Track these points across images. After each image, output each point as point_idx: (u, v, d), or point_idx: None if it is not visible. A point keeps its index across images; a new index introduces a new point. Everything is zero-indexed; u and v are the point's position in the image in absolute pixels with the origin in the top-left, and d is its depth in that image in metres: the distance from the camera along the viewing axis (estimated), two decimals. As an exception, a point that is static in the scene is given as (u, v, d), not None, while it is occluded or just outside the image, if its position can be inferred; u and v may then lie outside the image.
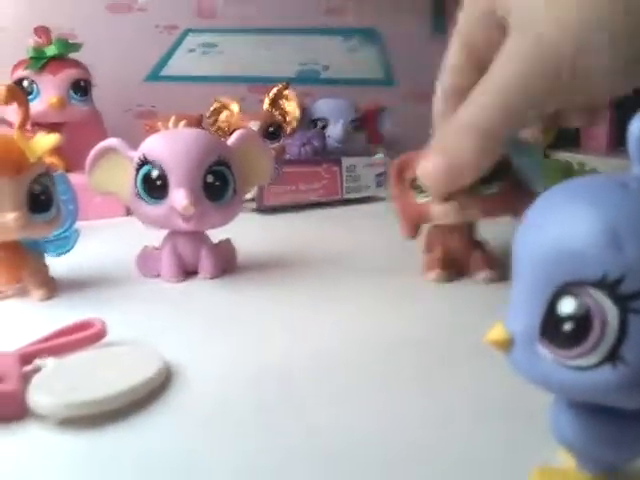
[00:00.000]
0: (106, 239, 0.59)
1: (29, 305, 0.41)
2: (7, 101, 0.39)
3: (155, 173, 0.42)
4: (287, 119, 0.83)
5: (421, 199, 0.39)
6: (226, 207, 0.44)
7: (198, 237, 0.46)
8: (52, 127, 0.60)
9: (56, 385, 0.27)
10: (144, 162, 0.42)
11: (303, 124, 0.84)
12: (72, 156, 0.61)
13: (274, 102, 0.82)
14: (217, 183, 0.43)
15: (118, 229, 0.63)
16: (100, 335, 0.33)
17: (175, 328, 0.37)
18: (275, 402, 0.28)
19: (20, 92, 0.41)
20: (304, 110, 0.85)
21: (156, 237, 0.47)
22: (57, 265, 0.44)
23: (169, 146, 0.42)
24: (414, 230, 0.41)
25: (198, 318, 0.39)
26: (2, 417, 0.26)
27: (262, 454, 0.24)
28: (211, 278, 0.46)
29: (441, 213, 0.37)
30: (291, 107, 0.83)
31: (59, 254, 0.44)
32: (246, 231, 0.49)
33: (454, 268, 0.42)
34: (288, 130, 0.82)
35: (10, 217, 0.38)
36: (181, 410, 0.27)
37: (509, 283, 0.18)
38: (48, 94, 0.63)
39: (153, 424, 0.26)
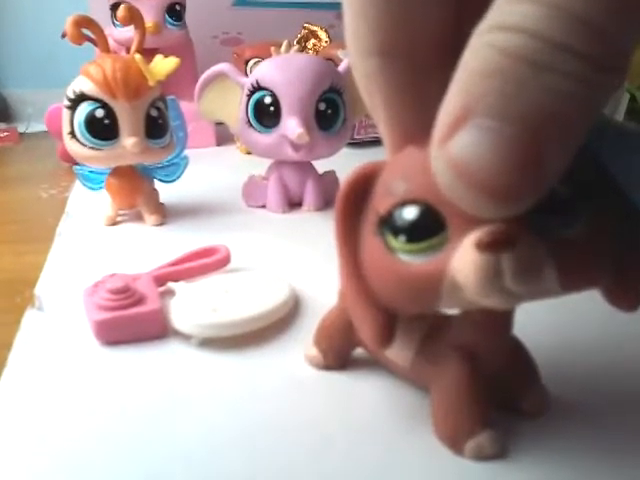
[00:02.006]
0: (210, 167, 0.59)
1: (143, 229, 0.42)
2: (126, 21, 0.39)
3: (268, 99, 0.41)
4: (376, 48, 0.79)
5: (409, 256, 0.17)
6: (335, 137, 0.43)
7: (304, 167, 0.45)
8: (146, 53, 0.59)
9: (197, 307, 0.28)
10: (257, 88, 0.41)
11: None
12: (165, 83, 0.61)
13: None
14: (329, 111, 0.42)
15: (219, 157, 0.63)
16: (225, 261, 0.33)
17: (289, 257, 0.37)
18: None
19: (139, 13, 0.41)
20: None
21: (261, 166, 0.47)
22: (165, 192, 0.45)
23: (282, 72, 0.41)
24: (389, 332, 0.19)
25: (309, 249, 0.39)
26: (146, 335, 0.27)
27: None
28: (315, 210, 0.45)
29: (474, 275, 0.15)
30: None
31: (169, 181, 0.45)
32: (339, 165, 0.48)
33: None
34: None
35: (129, 142, 0.38)
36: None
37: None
38: (144, 19, 0.62)
39: (290, 347, 0.27)
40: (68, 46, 0.41)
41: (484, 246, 0.15)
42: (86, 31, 0.39)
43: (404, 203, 0.17)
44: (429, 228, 0.16)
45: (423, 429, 0.21)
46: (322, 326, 0.25)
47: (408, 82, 0.16)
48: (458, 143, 0.13)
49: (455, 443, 0.20)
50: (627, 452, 0.20)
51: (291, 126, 0.40)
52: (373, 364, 0.25)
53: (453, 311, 0.20)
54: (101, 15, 0.55)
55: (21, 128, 0.89)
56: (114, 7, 0.63)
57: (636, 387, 0.24)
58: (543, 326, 0.26)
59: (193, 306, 0.28)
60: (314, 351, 0.25)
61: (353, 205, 0.18)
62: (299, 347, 0.26)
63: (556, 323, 0.28)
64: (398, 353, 0.22)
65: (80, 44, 0.38)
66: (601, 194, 0.17)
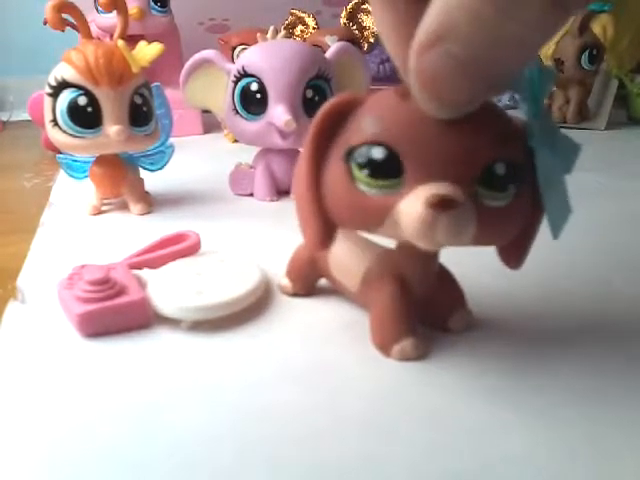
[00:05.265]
0: (196, 155, 0.58)
1: (128, 219, 0.42)
2: (109, 7, 0.38)
3: (255, 86, 0.40)
4: (365, 34, 0.79)
5: (367, 188, 0.20)
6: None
7: (292, 155, 0.45)
8: (131, 40, 0.59)
9: (181, 291, 0.27)
10: (243, 75, 0.41)
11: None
12: (149, 70, 0.60)
13: (351, 16, 0.78)
14: (316, 98, 0.41)
15: (206, 145, 0.63)
16: (195, 247, 0.33)
17: (268, 244, 0.37)
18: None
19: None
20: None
21: (248, 154, 0.46)
22: (150, 180, 0.44)
23: (269, 59, 0.40)
24: (328, 238, 0.22)
25: (288, 236, 0.38)
26: (130, 325, 0.27)
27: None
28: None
29: (417, 223, 0.18)
30: (369, 21, 0.78)
31: (154, 169, 0.44)
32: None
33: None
34: (366, 46, 0.78)
35: (113, 130, 0.37)
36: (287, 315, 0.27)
37: None
38: (128, 5, 0.61)
39: (274, 328, 0.27)
40: (51, 33, 0.40)
41: (429, 204, 0.18)
42: (68, 17, 0.38)
43: (373, 142, 0.19)
44: (389, 171, 0.19)
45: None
46: (292, 259, 0.29)
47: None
48: (428, 60, 0.17)
49: (384, 348, 0.24)
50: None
51: (278, 113, 0.39)
52: (368, 362, 0.25)
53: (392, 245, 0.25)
54: (84, 1, 0.54)
55: (4, 116, 0.87)
56: (98, -7, 0.62)
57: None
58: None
59: (177, 291, 0.27)
60: (286, 281, 0.29)
61: (327, 127, 0.21)
62: (282, 329, 0.27)
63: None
64: (350, 277, 0.26)
65: (61, 30, 0.38)
66: (526, 178, 0.20)
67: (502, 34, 0.15)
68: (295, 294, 0.29)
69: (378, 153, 0.19)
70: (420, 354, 0.24)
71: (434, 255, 0.25)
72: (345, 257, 0.26)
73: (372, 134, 0.19)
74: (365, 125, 0.20)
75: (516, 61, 0.17)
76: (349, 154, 0.20)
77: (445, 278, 0.26)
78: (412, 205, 0.19)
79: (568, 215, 0.21)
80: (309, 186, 0.21)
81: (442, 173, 0.19)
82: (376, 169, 0.19)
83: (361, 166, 0.19)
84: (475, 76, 0.17)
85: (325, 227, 0.21)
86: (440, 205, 0.18)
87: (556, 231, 0.20)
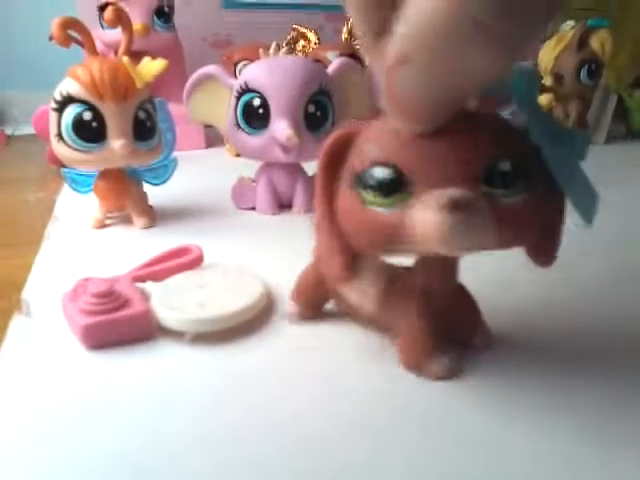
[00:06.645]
0: (199, 169, 0.59)
1: (132, 232, 0.42)
2: (113, 23, 0.39)
3: (257, 102, 0.41)
4: (366, 50, 0.79)
5: (378, 207, 0.20)
6: (324, 138, 0.43)
7: (294, 169, 0.45)
8: (135, 55, 0.59)
9: (183, 304, 0.28)
10: (246, 90, 0.41)
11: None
12: (153, 85, 0.60)
13: (353, 31, 0.78)
14: (318, 113, 0.42)
15: (208, 159, 0.63)
16: (198, 260, 0.33)
17: (270, 257, 0.37)
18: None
19: (126, 15, 0.41)
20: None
21: (250, 168, 0.47)
22: (154, 194, 0.45)
23: (271, 74, 0.41)
24: (352, 269, 0.23)
25: (290, 250, 0.38)
26: (133, 337, 0.27)
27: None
28: (305, 212, 0.45)
29: (433, 230, 0.19)
30: (370, 37, 0.79)
31: (158, 183, 0.45)
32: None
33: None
34: (367, 61, 0.79)
35: (117, 144, 0.37)
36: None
37: None
38: (132, 20, 0.62)
39: (272, 339, 0.27)
40: (56, 48, 0.40)
41: (441, 208, 0.18)
42: (74, 33, 0.38)
43: (375, 164, 0.20)
44: (395, 186, 0.20)
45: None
46: (299, 284, 0.29)
47: None
48: (395, 79, 0.17)
49: (418, 366, 0.24)
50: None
51: (280, 128, 0.40)
52: (366, 363, 0.25)
53: (409, 261, 0.24)
54: (89, 17, 0.55)
55: (9, 130, 0.88)
56: (102, 9, 0.63)
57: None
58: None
59: (179, 304, 0.28)
60: (294, 307, 0.29)
61: (333, 160, 0.22)
62: (278, 340, 0.27)
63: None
64: (364, 301, 0.25)
65: (67, 46, 0.38)
66: (536, 171, 0.20)
67: (457, 67, 0.16)
68: (305, 319, 0.29)
69: (381, 172, 0.20)
70: (456, 371, 0.24)
71: (454, 268, 0.24)
72: (357, 278, 0.25)
73: (373, 157, 0.20)
74: (365, 150, 0.20)
75: (473, 85, 0.17)
76: (355, 181, 0.21)
77: (463, 293, 0.26)
78: (425, 214, 0.19)
79: (595, 199, 0.20)
80: (324, 219, 0.22)
81: (447, 178, 0.19)
82: (383, 188, 0.20)
83: (369, 188, 0.20)
84: (436, 96, 0.18)
85: (347, 258, 0.22)
86: (452, 207, 0.18)
87: (587, 217, 0.20)
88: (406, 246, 0.20)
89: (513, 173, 0.19)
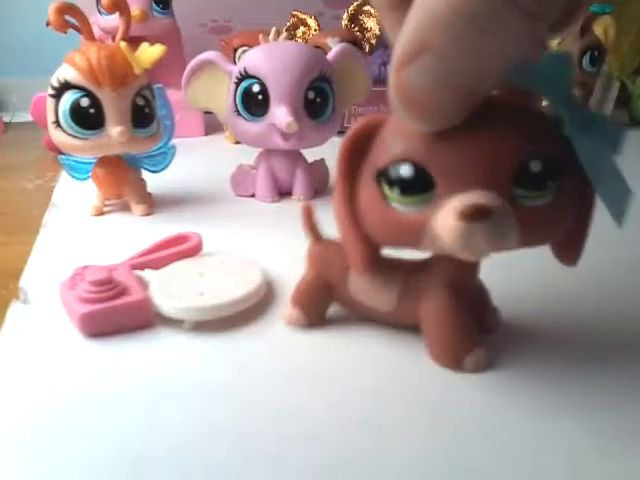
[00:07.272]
0: (198, 156, 0.58)
1: (130, 220, 0.42)
2: (111, 8, 0.38)
3: (256, 88, 0.40)
4: (366, 36, 0.78)
5: (401, 205, 0.20)
6: (324, 125, 0.43)
7: (293, 156, 0.45)
8: (133, 41, 0.59)
9: (183, 292, 0.27)
10: (245, 76, 0.41)
11: (383, 42, 0.79)
12: (152, 72, 0.60)
13: (353, 18, 0.78)
14: (318, 100, 0.41)
15: (208, 146, 0.63)
16: (197, 248, 0.33)
17: (270, 245, 0.37)
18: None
19: (124, 0, 0.40)
20: (385, 27, 0.80)
21: (249, 156, 0.46)
22: (152, 181, 0.44)
23: (271, 60, 0.40)
24: (374, 260, 0.23)
25: (290, 237, 0.38)
26: (131, 325, 0.27)
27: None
28: (305, 199, 0.45)
29: (453, 236, 0.18)
30: (371, 23, 0.78)
31: (156, 170, 0.44)
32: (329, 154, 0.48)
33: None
34: (367, 48, 0.78)
35: (115, 131, 0.37)
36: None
37: None
38: (130, 6, 0.61)
39: (272, 329, 0.27)
40: (53, 34, 0.40)
41: (463, 216, 0.18)
42: (71, 19, 0.38)
43: (401, 160, 0.19)
44: (419, 186, 0.19)
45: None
46: (300, 289, 0.27)
47: None
48: (406, 76, 0.17)
49: (455, 361, 0.23)
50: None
51: (280, 115, 0.39)
52: (364, 355, 0.25)
53: (426, 255, 0.24)
54: (86, 3, 0.54)
55: (6, 117, 0.87)
56: (100, -6, 0.62)
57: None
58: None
59: (178, 292, 0.27)
60: (295, 312, 0.27)
61: (354, 151, 0.21)
62: (279, 327, 0.27)
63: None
64: (381, 298, 0.25)
65: (64, 32, 0.38)
66: (566, 171, 0.19)
67: (482, 48, 0.16)
68: (310, 325, 0.27)
69: (406, 171, 0.19)
70: (491, 361, 0.24)
71: (479, 262, 0.24)
72: (371, 277, 0.25)
73: (397, 153, 0.19)
74: (390, 145, 0.20)
75: (497, 71, 0.16)
76: (378, 175, 0.20)
77: (480, 285, 0.26)
78: (446, 219, 0.18)
79: (628, 198, 0.19)
80: (345, 212, 0.22)
81: (473, 180, 0.18)
82: (406, 186, 0.19)
83: (391, 185, 0.19)
84: (454, 89, 0.17)
85: (369, 248, 0.22)
86: (474, 216, 0.17)
87: (619, 218, 0.18)
88: (427, 246, 0.20)
89: (545, 173, 0.18)
